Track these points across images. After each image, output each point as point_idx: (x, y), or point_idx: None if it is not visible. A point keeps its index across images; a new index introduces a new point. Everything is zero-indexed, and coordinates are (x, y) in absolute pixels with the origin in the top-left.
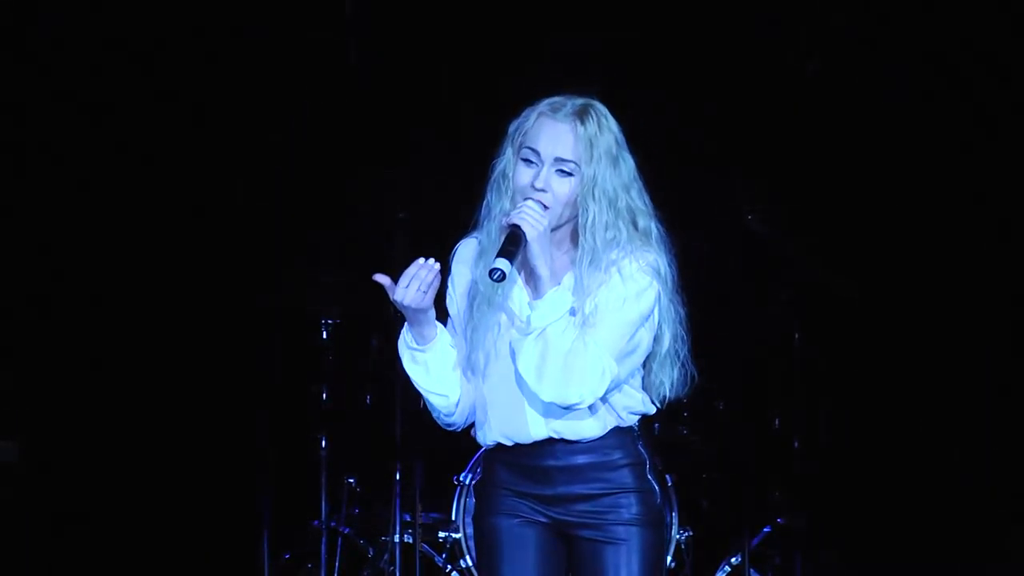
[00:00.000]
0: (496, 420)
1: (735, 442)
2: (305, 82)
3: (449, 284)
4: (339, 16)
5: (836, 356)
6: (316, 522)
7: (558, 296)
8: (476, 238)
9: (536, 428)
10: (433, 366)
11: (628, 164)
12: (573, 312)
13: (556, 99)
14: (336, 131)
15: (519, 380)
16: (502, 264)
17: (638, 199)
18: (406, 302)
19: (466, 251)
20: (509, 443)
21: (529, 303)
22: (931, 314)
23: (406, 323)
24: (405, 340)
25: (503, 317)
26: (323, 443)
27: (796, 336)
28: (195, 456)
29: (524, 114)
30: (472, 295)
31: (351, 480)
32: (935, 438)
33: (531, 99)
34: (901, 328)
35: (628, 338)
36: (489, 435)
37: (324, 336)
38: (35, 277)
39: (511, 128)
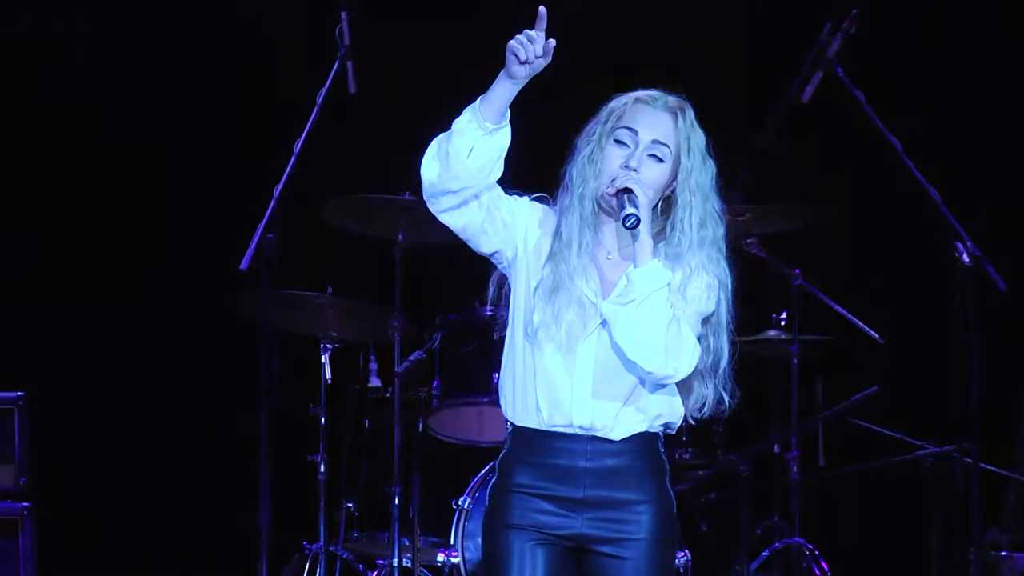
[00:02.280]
0: (542, 394)
1: (734, 465)
2: (303, 106)
3: (523, 208)
4: (339, 41)
5: (835, 379)
6: (316, 546)
7: (659, 267)
8: (553, 211)
9: (579, 414)
10: (497, 148)
11: (713, 169)
12: (669, 286)
13: (651, 91)
14: (333, 156)
15: (570, 357)
16: (633, 210)
17: (718, 205)
18: (532, 57)
19: (545, 214)
20: (543, 426)
21: (628, 273)
22: (930, 336)
23: (486, 95)
24: (478, 112)
25: (578, 287)
26: (322, 467)
27: (794, 360)
28: (193, 479)
29: (616, 100)
30: (549, 256)
31: (350, 504)
32: (935, 462)
33: (527, 126)
34: (901, 350)
35: (699, 327)
36: (525, 410)
37: (323, 359)
38: (35, 300)
39: (602, 113)
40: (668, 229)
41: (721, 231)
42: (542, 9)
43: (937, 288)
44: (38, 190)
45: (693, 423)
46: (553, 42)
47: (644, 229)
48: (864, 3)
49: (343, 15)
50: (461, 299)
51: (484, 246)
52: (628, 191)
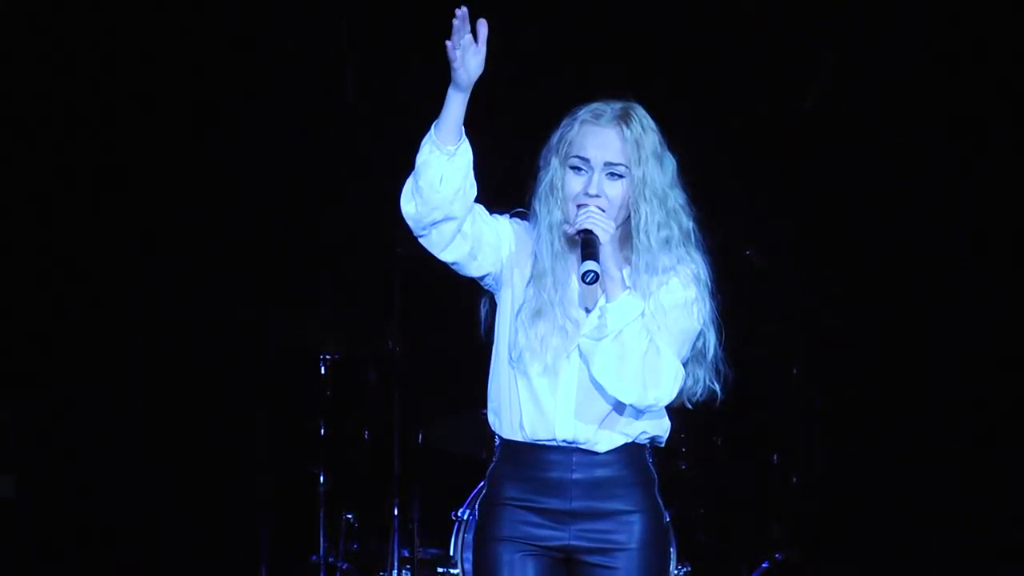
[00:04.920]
0: (526, 411)
1: (733, 477)
2: (303, 117)
3: (504, 228)
4: (336, 52)
5: (834, 391)
6: (314, 557)
7: (631, 299)
8: (530, 227)
9: (562, 429)
10: (464, 167)
11: (671, 163)
12: (643, 315)
13: (595, 105)
14: (335, 167)
15: (554, 379)
16: (594, 266)
17: (681, 198)
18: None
19: (526, 231)
20: (529, 440)
21: (601, 306)
22: (929, 347)
23: (438, 121)
24: (435, 140)
25: (559, 313)
26: (321, 478)
27: (794, 371)
28: (193, 491)
29: (564, 123)
30: (530, 279)
31: (349, 515)
32: (934, 473)
33: (529, 138)
34: (899, 362)
35: (685, 347)
36: (511, 425)
37: (323, 371)
38: (33, 313)
39: (553, 139)
40: (633, 236)
41: (688, 223)
42: (458, 11)
43: (936, 297)
44: (38, 195)
45: (691, 407)
46: (484, 25)
47: (610, 264)
48: (863, 13)
49: (343, 23)
50: (460, 310)
51: (475, 271)
52: (587, 232)
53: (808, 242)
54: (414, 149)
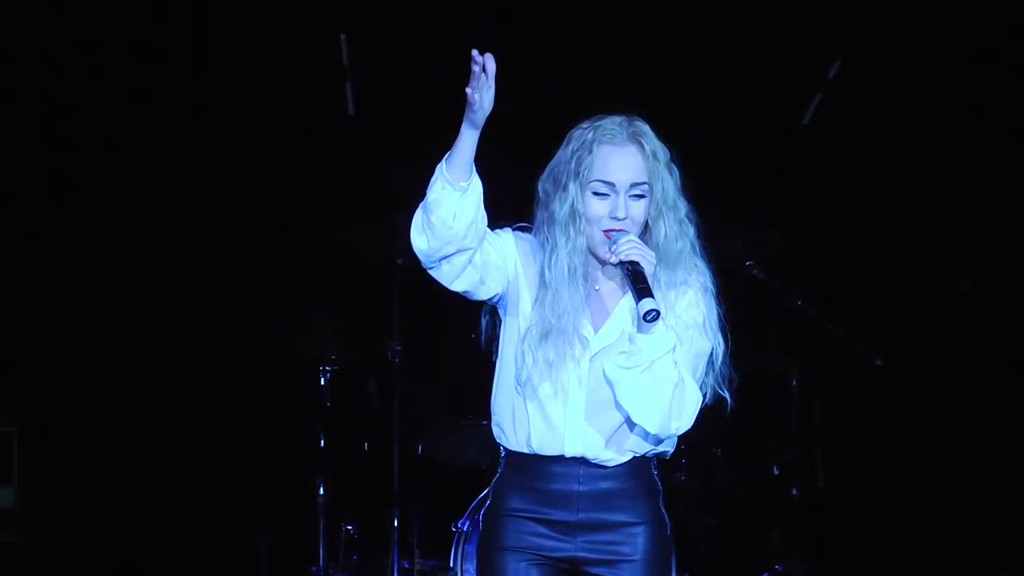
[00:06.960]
0: (534, 427)
1: (732, 488)
2: (305, 129)
3: (509, 246)
4: (337, 64)
5: (834, 397)
6: (314, 568)
7: (666, 332)
8: (535, 243)
9: (571, 444)
10: (476, 201)
11: (677, 172)
12: (674, 349)
13: (602, 123)
14: (336, 178)
15: (563, 398)
16: (653, 304)
17: (686, 206)
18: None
19: (532, 248)
20: (537, 453)
21: (632, 336)
22: (927, 357)
23: (448, 156)
24: (447, 177)
25: (569, 330)
26: (321, 489)
27: (794, 382)
28: (193, 502)
29: (575, 146)
30: (536, 301)
31: (349, 526)
32: (933, 484)
33: (528, 150)
34: (897, 373)
35: (700, 368)
36: (517, 440)
37: (322, 382)
38: (33, 323)
39: (567, 163)
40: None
41: (692, 231)
42: (475, 55)
43: (936, 297)
44: (37, 197)
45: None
46: (491, 60)
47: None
48: (863, 25)
49: (341, 37)
50: (460, 321)
51: (484, 295)
52: (633, 263)
53: (808, 243)
54: (414, 160)
